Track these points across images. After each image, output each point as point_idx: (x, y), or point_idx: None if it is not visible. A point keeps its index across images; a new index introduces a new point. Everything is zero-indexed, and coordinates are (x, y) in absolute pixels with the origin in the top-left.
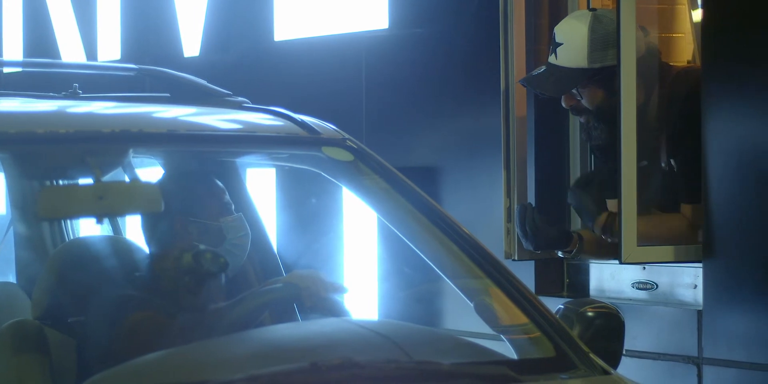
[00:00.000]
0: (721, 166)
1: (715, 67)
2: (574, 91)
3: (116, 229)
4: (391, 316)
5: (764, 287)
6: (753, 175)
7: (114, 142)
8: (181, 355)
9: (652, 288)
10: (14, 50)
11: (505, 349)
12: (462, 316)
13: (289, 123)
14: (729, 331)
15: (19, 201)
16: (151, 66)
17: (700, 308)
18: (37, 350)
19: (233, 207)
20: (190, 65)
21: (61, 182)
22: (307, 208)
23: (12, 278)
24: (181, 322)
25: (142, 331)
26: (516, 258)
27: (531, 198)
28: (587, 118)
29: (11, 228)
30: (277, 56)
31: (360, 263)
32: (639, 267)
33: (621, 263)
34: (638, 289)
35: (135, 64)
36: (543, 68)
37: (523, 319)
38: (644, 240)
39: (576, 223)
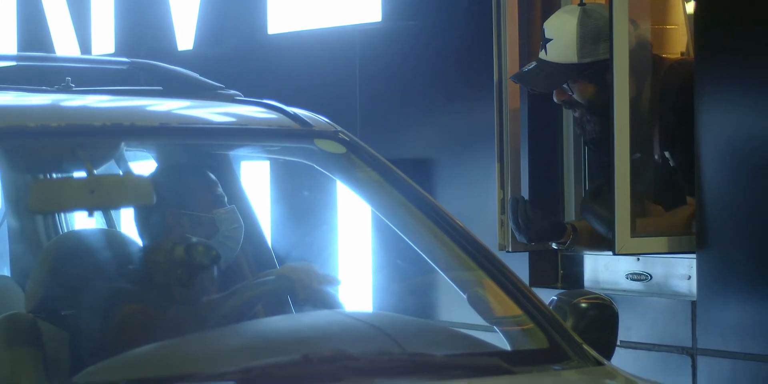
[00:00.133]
0: (714, 157)
1: (708, 58)
2: (565, 86)
3: (110, 222)
4: (384, 308)
5: (758, 278)
6: (746, 167)
7: (106, 136)
8: (174, 347)
9: (646, 279)
10: (8, 44)
11: (499, 340)
12: (455, 308)
13: (281, 116)
14: (723, 322)
15: (11, 194)
16: (143, 59)
17: (694, 299)
18: (31, 343)
19: (226, 199)
20: (183, 59)
21: (52, 176)
22: (301, 200)
23: (6, 271)
24: (174, 315)
25: (135, 324)
26: (510, 250)
27: (524, 190)
28: (581, 112)
29: (5, 221)
30: (271, 49)
31: (354, 256)
32: (633, 258)
33: (615, 254)
34: (632, 280)
35: (128, 57)
36: (533, 64)
37: (516, 310)
38: (642, 232)
39: (570, 215)
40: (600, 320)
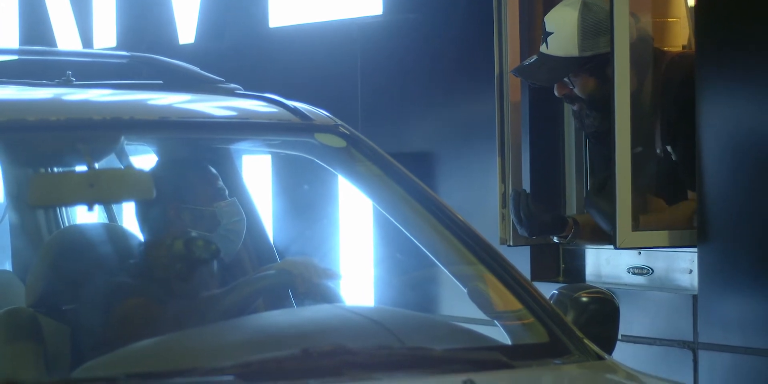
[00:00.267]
0: (715, 151)
1: (709, 52)
2: (566, 79)
3: (111, 216)
4: (385, 302)
5: (759, 272)
6: (747, 160)
7: (105, 130)
8: (174, 341)
9: (647, 273)
10: (10, 38)
11: (499, 334)
12: (456, 302)
13: (281, 109)
14: (724, 316)
15: (12, 189)
16: (144, 53)
17: (696, 293)
18: (31, 338)
19: (227, 192)
20: (185, 52)
21: (52, 170)
22: (303, 194)
23: (8, 266)
24: (175, 309)
25: (135, 318)
26: (511, 243)
27: (526, 184)
28: (580, 106)
29: (6, 215)
30: (272, 43)
31: (355, 250)
32: (635, 252)
33: (616, 248)
34: (634, 274)
35: (128, 51)
36: (534, 58)
37: (516, 304)
38: (644, 226)
39: (571, 208)
40: (601, 314)
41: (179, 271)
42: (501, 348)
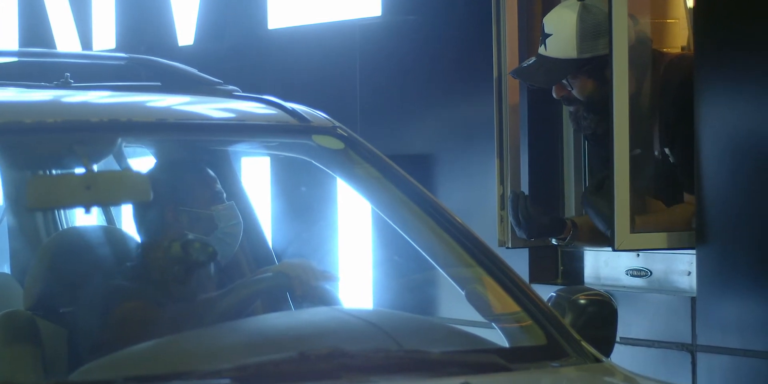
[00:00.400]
0: (714, 153)
1: (707, 53)
2: (564, 81)
3: (109, 218)
4: (383, 305)
5: (758, 274)
6: (746, 162)
7: (103, 132)
8: (172, 344)
9: (646, 275)
10: (10, 40)
11: (497, 337)
12: (454, 305)
13: (279, 111)
14: (723, 318)
15: (10, 191)
16: (143, 55)
17: (694, 295)
18: (29, 341)
19: (225, 195)
20: (184, 54)
21: (49, 172)
22: (302, 196)
23: (6, 269)
24: (172, 312)
25: (133, 321)
26: (510, 246)
27: (524, 186)
28: (578, 108)
29: (4, 218)
30: (271, 44)
31: (354, 252)
32: (633, 254)
33: (614, 250)
34: (632, 276)
35: (128, 53)
36: (533, 59)
37: (514, 307)
38: (642, 228)
39: (570, 210)
40: (599, 317)
41: (176, 274)
42: (498, 350)
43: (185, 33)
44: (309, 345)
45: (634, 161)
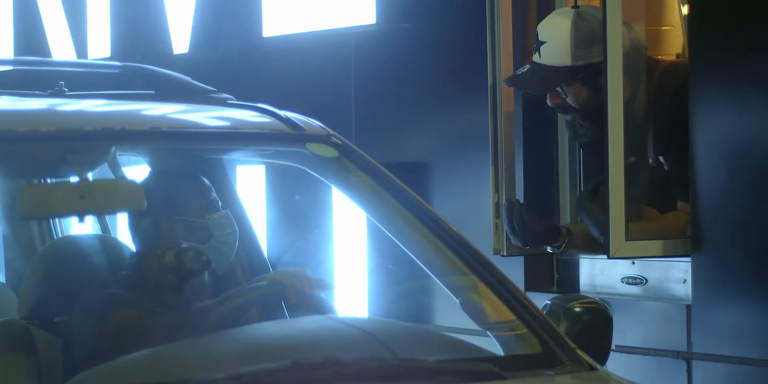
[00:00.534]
0: (709, 160)
1: (702, 59)
2: (558, 89)
3: (104, 227)
4: (379, 313)
5: (753, 281)
6: (741, 169)
7: (96, 140)
8: (166, 353)
9: (641, 283)
10: (5, 49)
11: (492, 345)
12: (449, 313)
13: (273, 119)
14: (718, 326)
15: (4, 200)
16: (137, 63)
17: (690, 303)
18: (24, 350)
19: (220, 204)
20: (179, 62)
21: (43, 181)
22: (297, 204)
23: (1, 277)
24: (167, 321)
25: (127, 330)
26: (505, 254)
27: (519, 194)
28: (573, 116)
29: None
30: (266, 52)
31: (349, 260)
32: (628, 262)
33: (609, 258)
34: (628, 284)
35: (124, 61)
36: (527, 67)
37: (509, 315)
38: (636, 235)
39: (565, 218)
40: (594, 325)
41: (171, 283)
42: (493, 359)
43: (180, 41)
44: (303, 354)
45: (628, 169)
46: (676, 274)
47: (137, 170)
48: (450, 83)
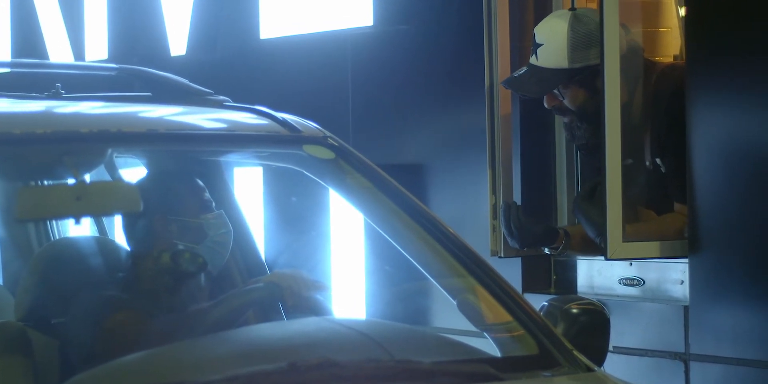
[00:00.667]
0: (706, 161)
1: (699, 61)
2: (556, 91)
3: (101, 229)
4: (376, 315)
5: (751, 282)
6: (738, 171)
7: (92, 142)
8: (163, 355)
9: (639, 284)
10: (2, 51)
11: (489, 346)
12: (446, 314)
13: (269, 121)
14: (716, 327)
15: (1, 202)
16: (134, 65)
17: (687, 304)
18: (20, 352)
19: (214, 204)
20: (176, 64)
21: (39, 183)
22: (294, 206)
23: None
24: (163, 323)
25: (124, 332)
26: (502, 255)
27: (517, 195)
28: (570, 118)
29: None
30: (263, 54)
31: (346, 262)
32: (626, 263)
33: (606, 259)
34: (626, 285)
35: (121, 63)
36: (524, 69)
37: (506, 316)
38: (633, 237)
39: (562, 219)
40: (591, 326)
41: (167, 285)
42: (490, 360)
43: (177, 43)
44: (300, 355)
45: (625, 171)
46: (674, 276)
47: (134, 172)
48: (447, 85)
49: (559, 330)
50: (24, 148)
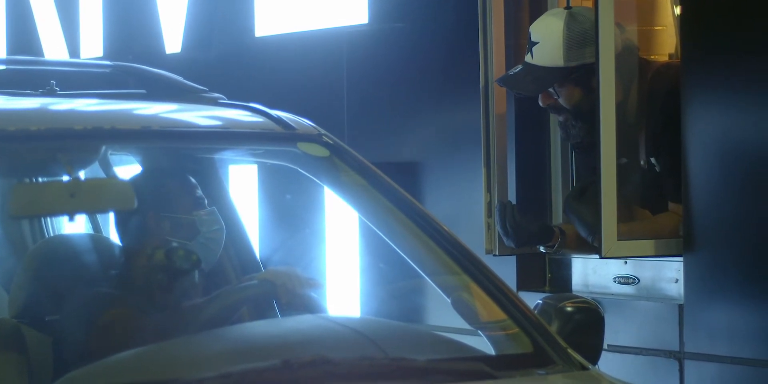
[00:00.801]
0: (701, 160)
1: (695, 60)
2: (551, 89)
3: (95, 226)
4: (370, 313)
5: (745, 281)
6: (733, 169)
7: (86, 139)
8: (157, 352)
9: (634, 282)
10: None
11: (483, 345)
12: (440, 312)
13: (264, 119)
14: (710, 326)
15: None
16: (129, 63)
17: (682, 302)
18: (14, 349)
19: (206, 201)
20: (171, 62)
21: (33, 180)
22: (289, 204)
23: None
24: (157, 320)
25: (117, 329)
26: (497, 253)
27: (511, 193)
28: (565, 117)
29: None
30: (258, 52)
31: (341, 260)
32: (621, 261)
33: (601, 257)
34: (620, 283)
35: (114, 60)
36: (519, 67)
37: (500, 315)
38: (628, 236)
39: (557, 218)
40: (586, 324)
41: (161, 282)
42: (484, 358)
43: (173, 41)
44: (294, 353)
45: (620, 169)
46: (669, 274)
47: (129, 169)
48: (442, 83)
49: (553, 328)
50: (18, 145)
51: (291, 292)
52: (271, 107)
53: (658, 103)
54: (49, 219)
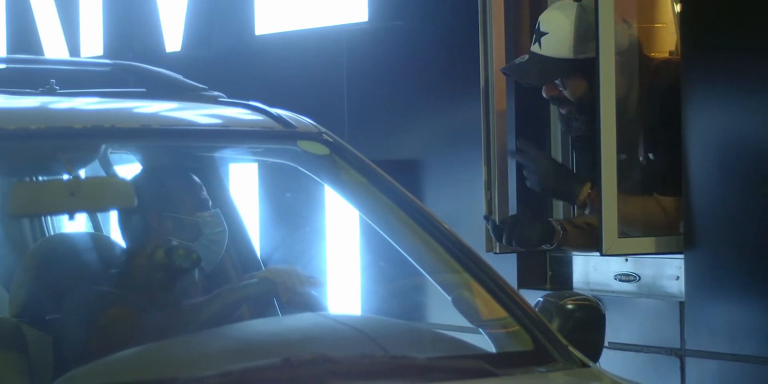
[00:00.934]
0: (701, 156)
1: (695, 57)
2: (557, 81)
3: (96, 225)
4: (370, 311)
5: (746, 278)
6: (733, 166)
7: (86, 138)
8: (157, 351)
9: (635, 280)
10: None
11: (484, 342)
12: (441, 310)
13: (264, 117)
14: (711, 323)
15: None
16: (129, 61)
17: (683, 300)
18: (15, 348)
19: (210, 203)
20: (171, 60)
21: (33, 179)
22: (290, 202)
23: None
24: (157, 319)
25: (118, 328)
26: (498, 251)
27: (512, 192)
28: (568, 109)
29: None
30: (258, 50)
31: (342, 258)
32: (622, 259)
33: (602, 255)
34: (621, 281)
35: (116, 59)
36: (526, 57)
37: (501, 312)
38: (625, 223)
39: (558, 212)
40: (587, 322)
41: (161, 280)
42: (485, 356)
43: (173, 39)
44: (294, 351)
45: (620, 166)
46: (670, 272)
47: (129, 168)
48: (442, 81)
49: (554, 326)
50: (18, 143)
51: (291, 291)
52: (271, 105)
53: (658, 99)
54: (49, 218)
